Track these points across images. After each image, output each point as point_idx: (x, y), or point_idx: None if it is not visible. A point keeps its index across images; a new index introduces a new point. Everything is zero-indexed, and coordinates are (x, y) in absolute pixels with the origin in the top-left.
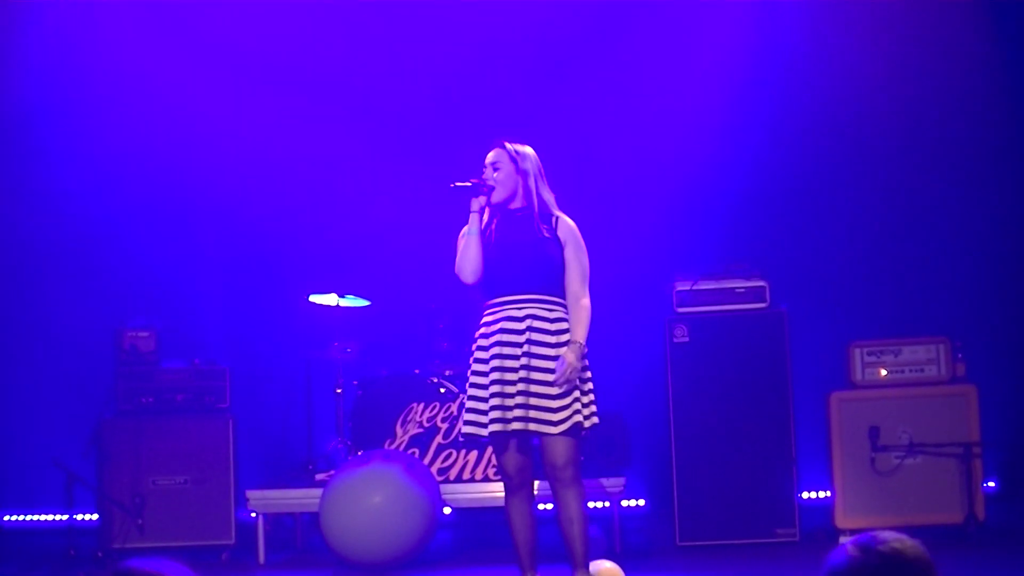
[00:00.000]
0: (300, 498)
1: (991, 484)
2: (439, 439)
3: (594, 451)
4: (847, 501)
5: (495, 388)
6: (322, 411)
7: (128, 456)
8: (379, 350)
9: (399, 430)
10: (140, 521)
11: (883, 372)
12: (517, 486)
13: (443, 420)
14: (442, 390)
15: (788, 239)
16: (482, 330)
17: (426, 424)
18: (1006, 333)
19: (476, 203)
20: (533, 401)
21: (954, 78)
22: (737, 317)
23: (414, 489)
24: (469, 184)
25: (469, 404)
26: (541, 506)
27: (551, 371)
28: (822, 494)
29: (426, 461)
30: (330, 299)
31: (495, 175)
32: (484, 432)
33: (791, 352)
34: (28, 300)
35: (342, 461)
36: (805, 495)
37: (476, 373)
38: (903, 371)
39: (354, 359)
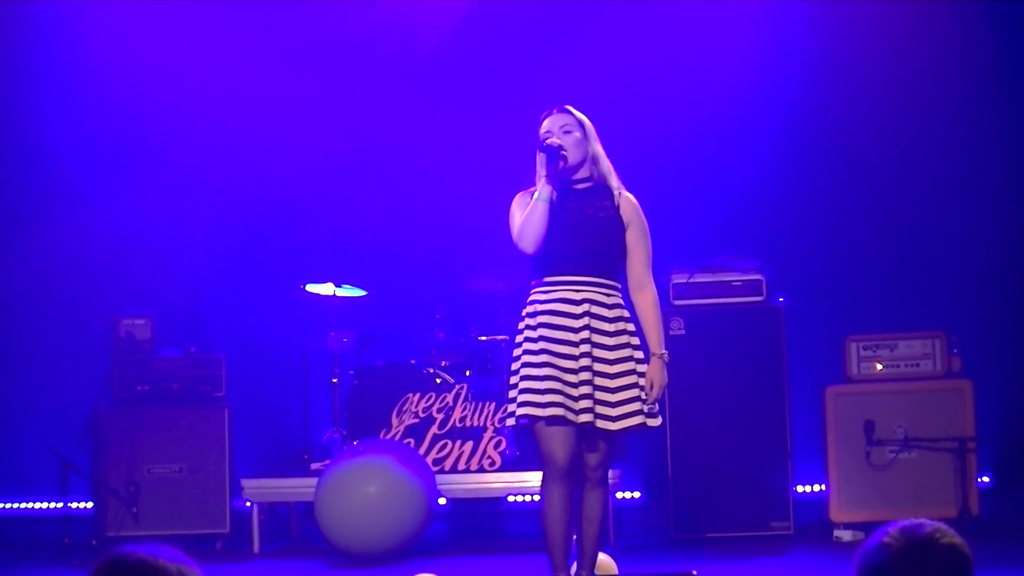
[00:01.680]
0: (295, 487)
1: (985, 479)
2: (434, 429)
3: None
4: (842, 495)
5: (548, 371)
6: (318, 401)
7: (123, 444)
8: (375, 340)
9: (395, 420)
10: (135, 509)
11: (879, 366)
12: (564, 475)
13: (438, 410)
14: (438, 380)
15: (785, 233)
16: (531, 308)
17: (422, 414)
18: (1002, 328)
19: (549, 166)
20: (597, 395)
21: (951, 75)
22: (733, 310)
23: (409, 479)
24: (556, 146)
25: (525, 385)
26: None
27: (608, 361)
28: (817, 487)
29: (421, 451)
30: (327, 289)
31: (565, 139)
32: (542, 413)
33: (787, 345)
34: (24, 288)
35: (337, 451)
36: (800, 488)
37: (530, 352)
38: (899, 365)
39: (350, 349)
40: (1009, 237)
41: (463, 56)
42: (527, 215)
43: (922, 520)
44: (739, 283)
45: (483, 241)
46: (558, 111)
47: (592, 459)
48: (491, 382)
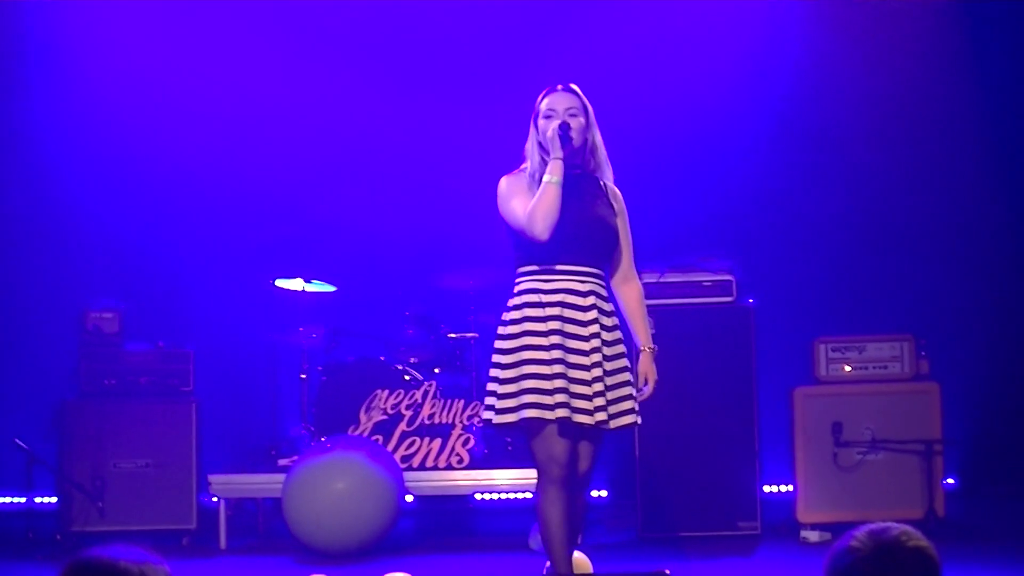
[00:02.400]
0: (263, 483)
1: (951, 481)
2: (403, 426)
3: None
4: (809, 495)
5: (559, 368)
6: (286, 396)
7: (90, 438)
8: (344, 336)
9: (363, 417)
10: (100, 504)
11: (847, 368)
12: (566, 478)
13: (407, 407)
14: (407, 377)
15: (755, 234)
16: (528, 298)
17: (390, 411)
18: (969, 332)
19: (565, 147)
20: (609, 395)
21: (924, 81)
22: (703, 311)
23: (377, 476)
24: (568, 126)
25: (528, 384)
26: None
27: (609, 358)
28: (784, 488)
29: (389, 448)
30: (296, 284)
31: (571, 123)
32: (551, 416)
33: (756, 346)
34: None
35: (306, 447)
36: (767, 489)
37: (533, 348)
38: (867, 368)
39: (319, 345)
40: (978, 241)
41: (433, 51)
42: (541, 198)
43: (889, 523)
44: (709, 283)
45: (453, 238)
46: (564, 89)
47: (586, 461)
48: (460, 379)
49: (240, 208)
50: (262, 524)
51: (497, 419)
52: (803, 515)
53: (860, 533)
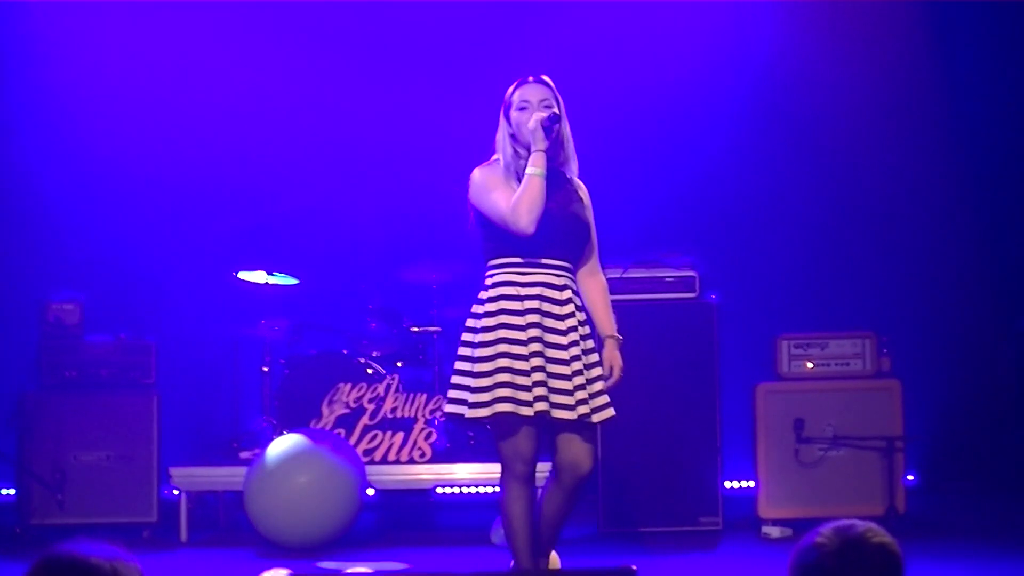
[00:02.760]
0: (224, 476)
1: (911, 478)
2: (365, 420)
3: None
4: (770, 491)
5: (537, 362)
6: (248, 389)
7: (50, 430)
8: (307, 329)
9: (325, 410)
10: (60, 497)
11: (809, 365)
12: (531, 474)
13: (369, 401)
14: (369, 371)
15: (719, 230)
16: (505, 290)
17: (352, 405)
18: (931, 329)
19: (549, 138)
20: (590, 388)
21: (889, 81)
22: (666, 306)
23: (339, 470)
24: (556, 115)
25: (502, 378)
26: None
27: (586, 352)
28: (746, 484)
29: (352, 442)
30: (259, 276)
31: (547, 114)
32: (529, 412)
33: (719, 342)
34: None
35: (267, 440)
36: (729, 484)
37: (510, 342)
38: (829, 364)
39: (282, 338)
40: (940, 240)
41: (394, 45)
42: (525, 191)
43: (853, 520)
44: (672, 279)
45: (416, 231)
46: (535, 81)
47: (585, 464)
48: (423, 373)
49: (203, 200)
50: (223, 517)
51: (470, 413)
52: (764, 511)
53: (825, 529)
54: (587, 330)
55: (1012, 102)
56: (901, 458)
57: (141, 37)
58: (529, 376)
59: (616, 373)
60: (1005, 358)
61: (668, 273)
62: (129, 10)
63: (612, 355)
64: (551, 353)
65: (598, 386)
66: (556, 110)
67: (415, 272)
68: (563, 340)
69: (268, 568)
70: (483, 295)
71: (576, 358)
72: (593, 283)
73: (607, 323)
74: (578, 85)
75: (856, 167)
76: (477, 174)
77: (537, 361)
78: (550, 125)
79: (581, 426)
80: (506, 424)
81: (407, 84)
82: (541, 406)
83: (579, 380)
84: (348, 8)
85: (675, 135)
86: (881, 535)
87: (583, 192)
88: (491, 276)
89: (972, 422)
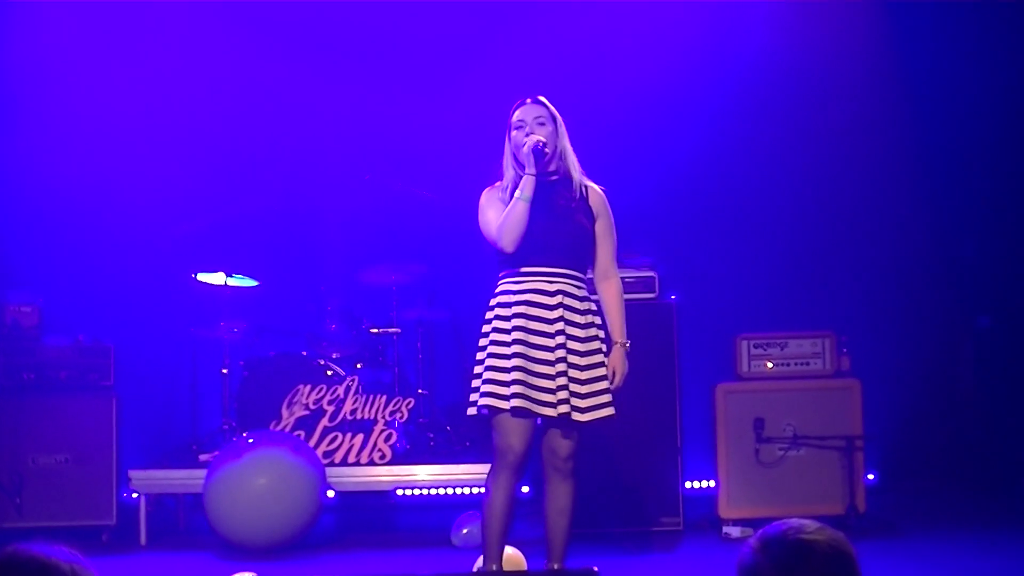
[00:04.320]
0: (183, 479)
1: (871, 477)
2: (325, 422)
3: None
4: (731, 491)
5: (518, 362)
6: (207, 391)
7: (7, 434)
8: (266, 331)
9: (285, 412)
10: (18, 500)
11: (769, 365)
12: (517, 467)
13: (329, 403)
14: (329, 372)
15: (677, 231)
16: (502, 299)
17: (312, 406)
18: (889, 329)
19: (538, 164)
20: (572, 387)
21: (845, 85)
22: (626, 307)
23: (299, 472)
24: (542, 144)
25: (489, 375)
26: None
27: (580, 353)
28: (707, 484)
29: (311, 444)
30: (218, 278)
31: (539, 131)
32: (505, 405)
33: (678, 343)
34: None
35: (227, 442)
36: (690, 485)
37: (497, 343)
38: (788, 364)
39: (241, 339)
40: (898, 239)
41: (351, 48)
42: (509, 214)
43: (792, 520)
44: (632, 279)
45: (376, 233)
46: (532, 102)
47: (563, 451)
48: (382, 375)
49: (162, 201)
50: (182, 520)
51: (469, 411)
52: (725, 511)
53: (766, 533)
54: (589, 332)
55: (966, 105)
56: (861, 457)
57: (95, 39)
58: (509, 373)
59: (617, 379)
60: (963, 356)
61: (627, 274)
62: (83, 14)
63: (615, 360)
64: (536, 354)
65: (598, 386)
66: (550, 127)
67: (374, 274)
68: (550, 343)
69: (232, 572)
70: (490, 303)
71: (561, 360)
72: (606, 287)
73: (615, 328)
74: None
75: (814, 169)
76: (483, 195)
77: (517, 361)
78: (539, 150)
79: (564, 422)
80: (493, 417)
81: (367, 86)
82: (518, 402)
83: (562, 380)
84: (309, 11)
85: (634, 136)
86: (823, 531)
87: (594, 198)
88: (497, 285)
89: (932, 420)
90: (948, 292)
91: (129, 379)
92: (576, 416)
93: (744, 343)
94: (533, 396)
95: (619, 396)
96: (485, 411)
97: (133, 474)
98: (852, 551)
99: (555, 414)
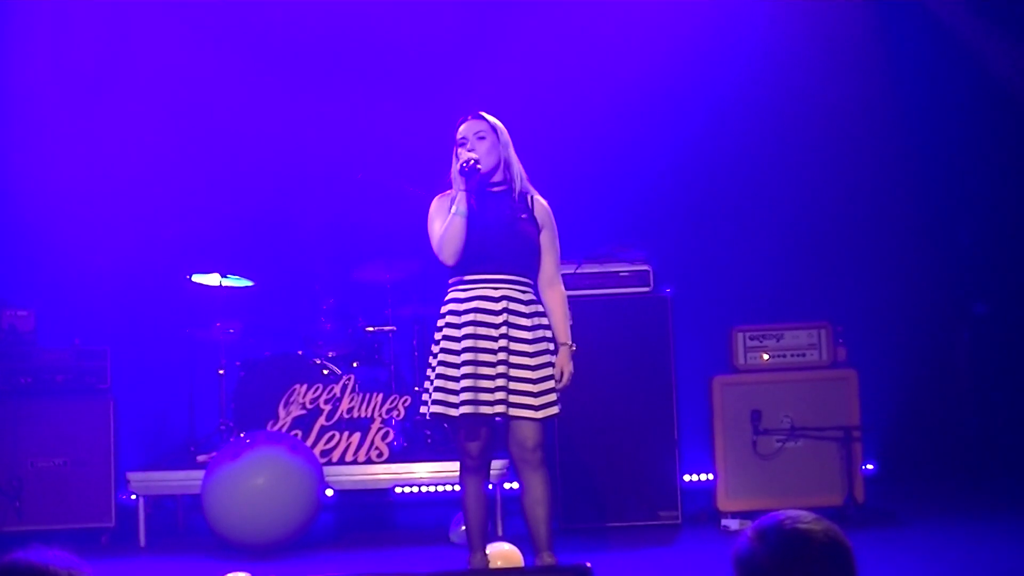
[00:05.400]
0: (182, 480)
1: (870, 467)
2: (322, 421)
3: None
4: (729, 484)
5: (468, 369)
6: (204, 392)
7: (6, 437)
8: (262, 331)
9: (282, 412)
10: (18, 503)
11: (765, 356)
12: (478, 467)
13: (326, 402)
14: (325, 371)
15: (672, 223)
16: (451, 306)
17: (309, 406)
18: (886, 318)
19: (468, 182)
20: (512, 386)
21: (840, 76)
22: (621, 301)
23: (296, 471)
24: (472, 163)
25: (439, 383)
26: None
27: (528, 354)
28: (704, 477)
29: (308, 443)
30: (213, 279)
31: (479, 145)
32: (454, 412)
33: (674, 336)
34: None
35: (224, 443)
36: (688, 478)
37: (447, 351)
38: (785, 355)
39: (237, 340)
40: (893, 228)
41: (339, 43)
42: (446, 230)
43: (788, 512)
44: (626, 273)
45: (370, 231)
46: (472, 117)
47: (528, 442)
48: (378, 373)
49: (156, 203)
50: (181, 521)
51: (423, 409)
52: (723, 504)
53: (762, 524)
54: (536, 333)
55: (960, 95)
56: (859, 447)
57: (90, 43)
58: (458, 382)
59: (565, 379)
60: (960, 345)
61: (621, 268)
62: (77, 23)
63: (562, 361)
64: (483, 357)
65: (549, 384)
66: (488, 142)
67: (369, 272)
68: (493, 346)
69: (229, 572)
70: (441, 310)
71: (503, 362)
72: (550, 294)
73: (560, 332)
74: (532, 82)
75: (808, 160)
76: (433, 203)
77: (468, 368)
78: (470, 168)
79: (522, 418)
80: (446, 423)
81: (358, 84)
82: (467, 408)
83: (501, 382)
84: (302, 11)
85: (628, 130)
86: (818, 522)
87: (539, 209)
88: (447, 293)
89: (929, 409)
90: (943, 280)
91: (126, 381)
92: (526, 413)
93: (740, 335)
94: (480, 398)
95: (615, 390)
96: (429, 417)
97: (131, 476)
98: (848, 542)
99: (492, 412)
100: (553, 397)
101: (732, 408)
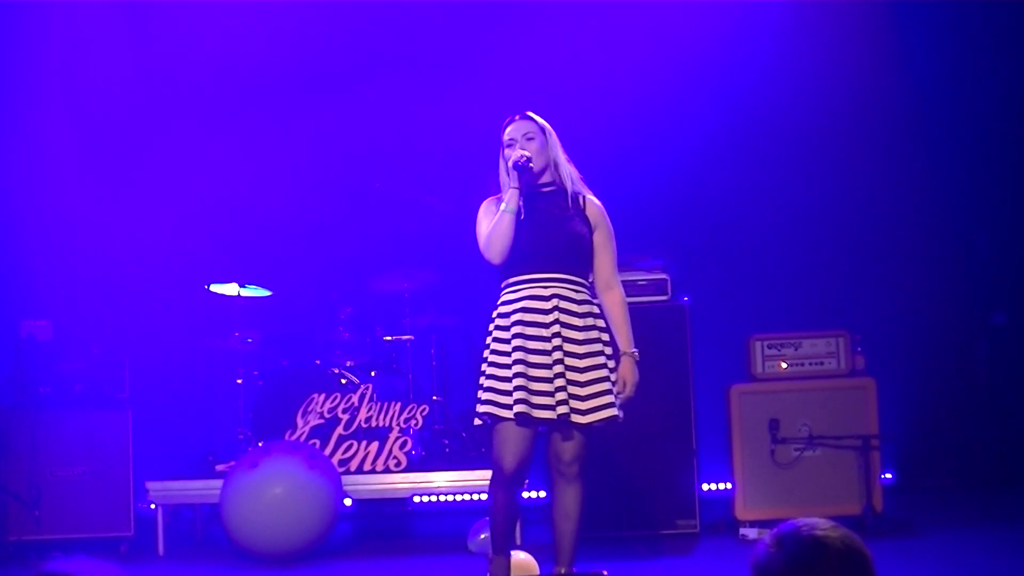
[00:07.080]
0: (200, 489)
1: (888, 476)
2: (340, 430)
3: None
4: (747, 493)
5: (519, 368)
6: (222, 402)
7: (25, 447)
8: (280, 340)
9: (300, 421)
10: (37, 513)
11: (783, 365)
12: (511, 480)
13: (344, 411)
14: (343, 381)
15: (690, 232)
16: (501, 308)
17: (327, 415)
18: (904, 327)
19: (520, 179)
20: (570, 389)
21: (858, 83)
22: (638, 310)
23: (315, 480)
24: (524, 161)
25: (488, 384)
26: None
27: (578, 355)
28: (723, 486)
29: (327, 452)
30: (231, 289)
31: (528, 146)
32: (509, 414)
33: (692, 345)
34: None
35: (243, 452)
36: (706, 487)
37: (497, 352)
38: (803, 364)
39: (255, 349)
40: (910, 237)
41: (359, 54)
42: (494, 227)
43: (806, 519)
44: (644, 282)
45: (388, 240)
46: (520, 118)
47: (566, 455)
48: (396, 382)
49: (174, 214)
50: (200, 530)
51: (476, 421)
52: (741, 513)
53: (781, 531)
54: (589, 335)
55: (977, 101)
56: (877, 456)
57: (104, 52)
58: (510, 382)
59: (628, 389)
60: (978, 354)
61: (639, 276)
62: (84, 24)
63: (626, 371)
64: (534, 359)
65: (600, 387)
66: (537, 143)
67: (387, 281)
68: (547, 347)
69: None
70: (493, 313)
71: (559, 362)
72: (608, 297)
73: (621, 339)
74: (550, 88)
75: (827, 168)
76: (481, 206)
77: (519, 368)
78: (523, 165)
79: (565, 425)
80: (492, 426)
81: (377, 94)
82: (520, 408)
83: (560, 383)
84: (318, 21)
85: (646, 137)
86: (838, 530)
87: (591, 209)
88: (500, 295)
89: (948, 418)
90: (962, 289)
91: (144, 391)
92: (576, 418)
93: (758, 344)
94: (533, 401)
95: (633, 399)
96: (487, 419)
97: (150, 485)
98: (866, 550)
99: (554, 416)
100: (607, 400)
101: (750, 417)
